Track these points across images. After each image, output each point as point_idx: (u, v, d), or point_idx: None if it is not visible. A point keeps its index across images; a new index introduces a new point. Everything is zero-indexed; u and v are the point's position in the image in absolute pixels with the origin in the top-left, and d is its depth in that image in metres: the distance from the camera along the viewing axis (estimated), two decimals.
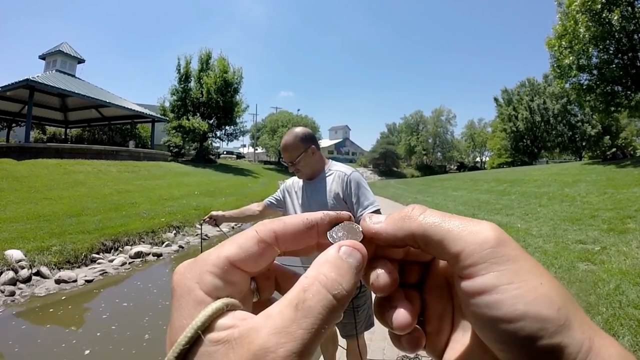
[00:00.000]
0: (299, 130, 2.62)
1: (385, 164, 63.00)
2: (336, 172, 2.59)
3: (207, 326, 0.25)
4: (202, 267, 0.28)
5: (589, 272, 5.35)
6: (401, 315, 0.30)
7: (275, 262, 0.35)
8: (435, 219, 0.29)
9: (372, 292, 0.32)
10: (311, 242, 0.33)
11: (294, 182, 2.82)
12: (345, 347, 2.94)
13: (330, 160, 2.77)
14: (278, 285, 0.35)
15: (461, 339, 0.31)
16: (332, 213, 0.33)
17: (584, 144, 45.48)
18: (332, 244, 0.30)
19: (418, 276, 0.35)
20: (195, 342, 0.25)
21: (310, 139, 2.60)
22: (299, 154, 2.55)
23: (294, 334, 0.23)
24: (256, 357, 0.23)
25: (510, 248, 0.26)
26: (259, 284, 0.35)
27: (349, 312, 2.57)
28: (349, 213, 0.34)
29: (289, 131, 2.64)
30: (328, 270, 0.27)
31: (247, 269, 0.30)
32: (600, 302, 4.38)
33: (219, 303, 0.26)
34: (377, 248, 0.33)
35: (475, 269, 0.26)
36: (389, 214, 0.32)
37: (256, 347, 0.23)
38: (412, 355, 3.68)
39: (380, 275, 0.31)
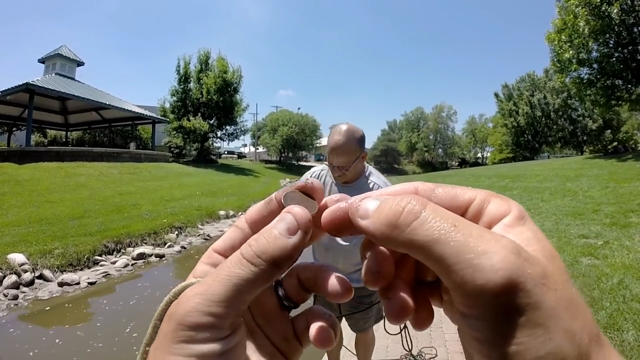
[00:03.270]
0: (354, 130, 2.25)
1: (387, 161, 62.97)
2: (375, 185, 2.37)
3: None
4: (198, 263, 0.33)
5: (592, 267, 5.33)
6: (394, 310, 0.28)
7: (299, 263, 0.33)
8: (432, 234, 0.23)
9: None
10: (274, 216, 0.32)
11: (325, 181, 2.51)
12: (349, 349, 2.95)
13: (368, 165, 2.49)
14: (307, 286, 0.33)
15: None
16: (287, 187, 0.33)
17: (585, 138, 45.36)
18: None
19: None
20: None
21: (364, 142, 2.31)
22: (355, 159, 2.25)
23: (203, 281, 0.27)
24: (176, 303, 0.27)
25: (521, 296, 0.21)
26: (285, 284, 0.34)
27: (359, 306, 2.56)
28: (304, 183, 0.33)
29: (342, 130, 2.24)
30: (255, 236, 0.29)
31: (227, 253, 0.31)
32: (604, 296, 4.37)
33: (193, 279, 0.30)
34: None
35: (471, 312, 0.22)
36: (382, 200, 0.27)
37: (181, 295, 0.28)
38: (415, 354, 3.68)
39: (367, 268, 0.29)
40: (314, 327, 0.30)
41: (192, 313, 0.25)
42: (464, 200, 0.28)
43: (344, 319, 2.66)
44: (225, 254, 0.32)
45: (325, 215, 0.30)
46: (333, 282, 0.30)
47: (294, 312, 0.35)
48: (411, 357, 3.61)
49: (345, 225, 0.29)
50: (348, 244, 2.36)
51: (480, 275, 0.21)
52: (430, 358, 3.63)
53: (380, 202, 0.27)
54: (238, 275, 0.26)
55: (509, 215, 0.26)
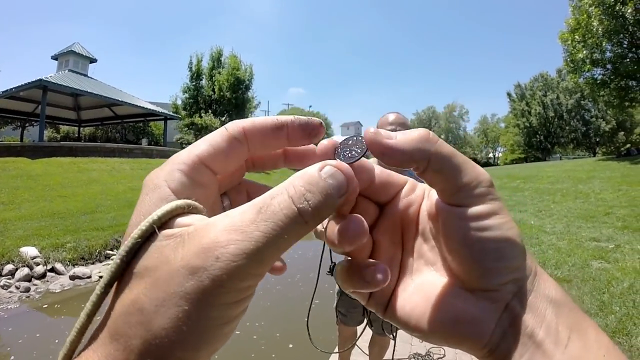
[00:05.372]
0: None
1: None
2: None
3: (165, 222, 0.25)
4: (172, 166, 0.28)
5: (603, 271, 5.29)
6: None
7: (249, 181, 0.37)
8: (449, 150, 0.29)
9: (333, 244, 0.29)
10: (279, 145, 0.32)
11: None
12: (361, 348, 2.96)
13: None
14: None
15: (409, 285, 0.32)
16: (302, 118, 0.31)
17: (598, 139, 44.94)
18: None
19: (374, 218, 0.34)
20: (149, 237, 0.24)
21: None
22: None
23: (250, 233, 0.22)
24: (204, 250, 0.22)
25: (495, 190, 0.29)
26: (232, 198, 0.35)
27: None
28: (320, 120, 0.32)
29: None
30: (299, 183, 0.25)
31: (216, 168, 0.29)
32: (614, 301, 4.34)
33: (181, 201, 0.26)
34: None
35: (477, 199, 0.28)
36: (400, 131, 0.30)
37: (207, 241, 0.22)
38: (423, 353, 3.69)
39: (352, 222, 0.28)
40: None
41: (239, 275, 0.22)
42: None
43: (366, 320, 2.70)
44: (212, 165, 0.29)
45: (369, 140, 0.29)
46: None
47: None
48: (419, 358, 3.62)
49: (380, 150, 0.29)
50: None
51: (480, 175, 0.29)
52: (439, 358, 3.64)
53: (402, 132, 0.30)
54: (287, 230, 0.23)
55: None
